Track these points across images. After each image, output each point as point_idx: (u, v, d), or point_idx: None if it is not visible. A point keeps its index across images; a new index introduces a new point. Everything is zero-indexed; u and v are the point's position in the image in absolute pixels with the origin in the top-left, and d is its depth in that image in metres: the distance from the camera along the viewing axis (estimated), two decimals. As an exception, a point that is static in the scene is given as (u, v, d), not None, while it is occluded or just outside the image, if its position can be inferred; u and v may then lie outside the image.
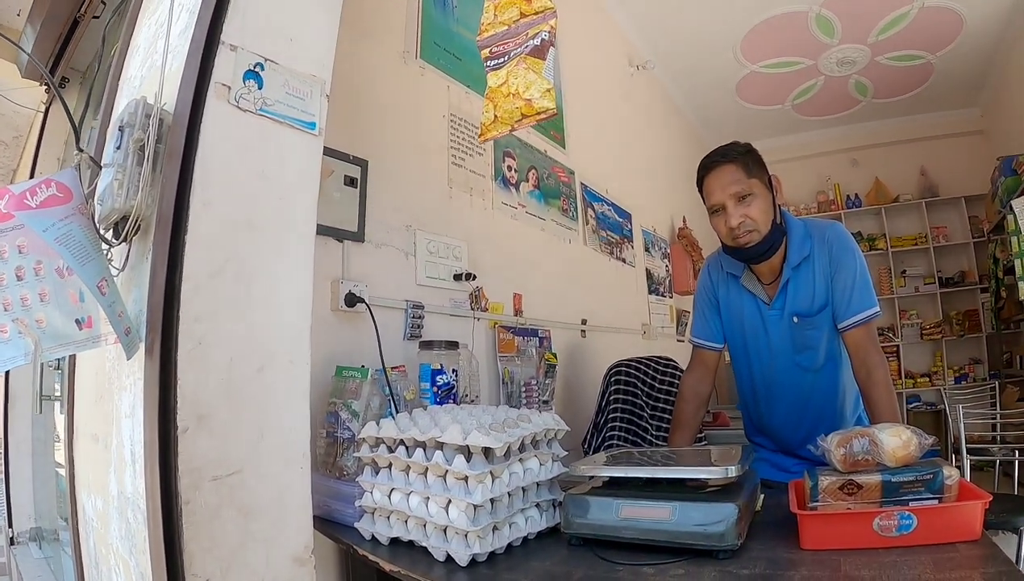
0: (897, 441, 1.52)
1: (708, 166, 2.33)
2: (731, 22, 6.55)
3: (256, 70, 1.70)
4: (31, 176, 4.85)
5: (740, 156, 2.29)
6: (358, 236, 2.58)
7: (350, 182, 2.57)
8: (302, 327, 1.72)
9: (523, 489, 1.76)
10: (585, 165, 4.87)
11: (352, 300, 2.42)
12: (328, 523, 1.97)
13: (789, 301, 2.37)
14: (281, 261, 1.70)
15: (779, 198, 2.34)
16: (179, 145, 1.56)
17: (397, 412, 2.12)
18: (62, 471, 3.95)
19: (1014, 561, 1.30)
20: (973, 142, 8.98)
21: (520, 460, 1.75)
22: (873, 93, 8.44)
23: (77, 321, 1.55)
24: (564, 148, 4.58)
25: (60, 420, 3.98)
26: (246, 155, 1.66)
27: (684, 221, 7.17)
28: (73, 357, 2.35)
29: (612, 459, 1.89)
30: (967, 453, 4.12)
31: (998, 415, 4.59)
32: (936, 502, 1.44)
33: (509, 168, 3.78)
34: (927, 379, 9.07)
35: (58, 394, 4.12)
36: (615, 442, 3.48)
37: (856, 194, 9.70)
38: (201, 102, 1.59)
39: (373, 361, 2.29)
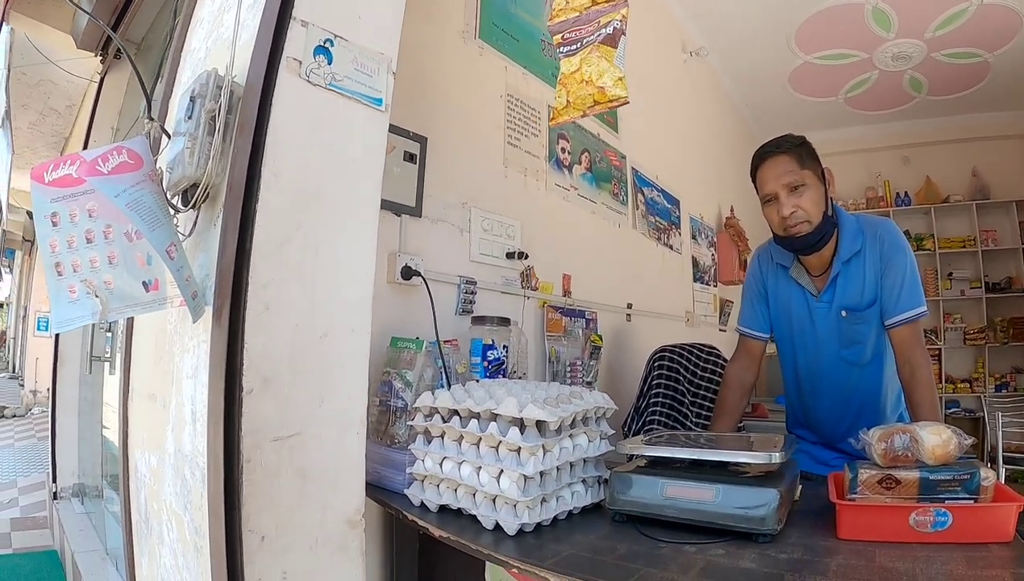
0: (937, 439, 1.54)
1: (762, 156, 2.36)
2: (787, 10, 6.44)
3: (326, 46, 1.74)
4: (84, 146, 4.95)
5: (794, 148, 2.32)
6: (415, 211, 2.63)
7: (409, 158, 2.62)
8: (364, 297, 1.78)
9: (571, 464, 1.80)
10: (637, 150, 4.87)
11: (408, 273, 2.47)
12: (377, 489, 2.02)
13: (838, 295, 2.38)
14: (346, 233, 1.75)
15: (831, 191, 2.36)
16: (251, 117, 1.61)
17: (449, 384, 2.17)
18: (108, 431, 4.06)
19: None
20: None
21: (570, 436, 1.79)
22: (928, 90, 8.25)
23: (144, 283, 1.60)
24: (617, 132, 4.58)
25: (109, 381, 4.08)
26: (315, 128, 1.71)
27: (732, 210, 7.11)
28: (131, 319, 2.43)
29: (656, 440, 1.92)
30: (1003, 462, 4.08)
31: None
32: (972, 502, 1.47)
33: (563, 150, 3.80)
34: (967, 385, 8.87)
35: (108, 355, 4.22)
36: (655, 427, 3.50)
37: (906, 192, 9.49)
38: (273, 76, 1.64)
39: (426, 333, 2.33)
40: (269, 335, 1.56)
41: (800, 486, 1.85)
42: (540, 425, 1.68)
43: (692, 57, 6.41)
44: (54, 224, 1.52)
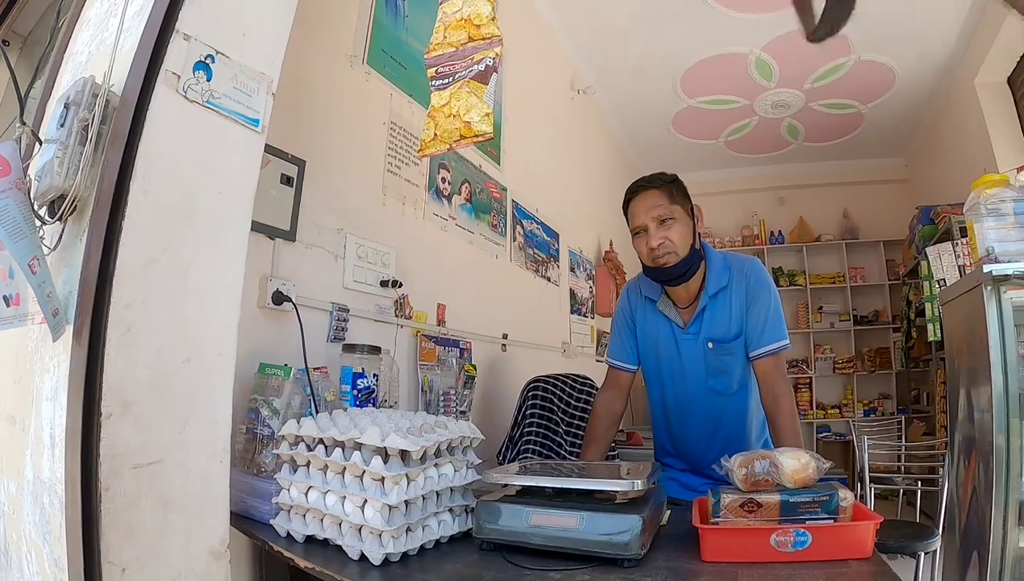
0: (796, 464, 1.62)
1: (635, 191, 2.47)
2: (675, 56, 6.71)
3: (207, 61, 1.70)
4: (-40, 142, 4.67)
5: (665, 184, 2.43)
6: (289, 235, 2.59)
7: (286, 181, 2.58)
8: (231, 321, 1.73)
9: (437, 493, 1.79)
10: (518, 182, 4.93)
11: (279, 298, 2.43)
12: (243, 519, 1.97)
13: (705, 327, 2.48)
14: (216, 254, 1.70)
15: (700, 226, 2.47)
16: (124, 129, 1.55)
17: (317, 412, 2.13)
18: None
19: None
20: (896, 190, 9.40)
21: (435, 465, 1.78)
22: (804, 136, 8.72)
23: (4, 298, 1.54)
24: (499, 164, 4.63)
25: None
26: (189, 146, 1.66)
27: (611, 245, 7.27)
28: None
29: (524, 469, 1.94)
30: (871, 481, 4.29)
31: (903, 447, 4.76)
32: (831, 521, 1.54)
33: (443, 180, 3.82)
34: (837, 411, 9.41)
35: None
36: (530, 455, 3.52)
37: (780, 231, 9.97)
38: (150, 88, 1.59)
39: (296, 360, 2.29)
40: (131, 357, 1.50)
41: (668, 511, 1.91)
42: (404, 454, 1.67)
43: (580, 95, 6.55)
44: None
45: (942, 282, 5.81)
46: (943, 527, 3.85)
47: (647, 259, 2.43)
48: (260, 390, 2.13)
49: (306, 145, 2.71)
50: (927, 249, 6.13)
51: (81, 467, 1.43)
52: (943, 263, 5.88)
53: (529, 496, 1.75)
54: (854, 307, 9.63)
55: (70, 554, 1.45)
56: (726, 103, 7.77)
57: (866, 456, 4.38)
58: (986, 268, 2.50)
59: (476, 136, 2.02)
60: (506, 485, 1.82)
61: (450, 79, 2.09)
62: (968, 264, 5.67)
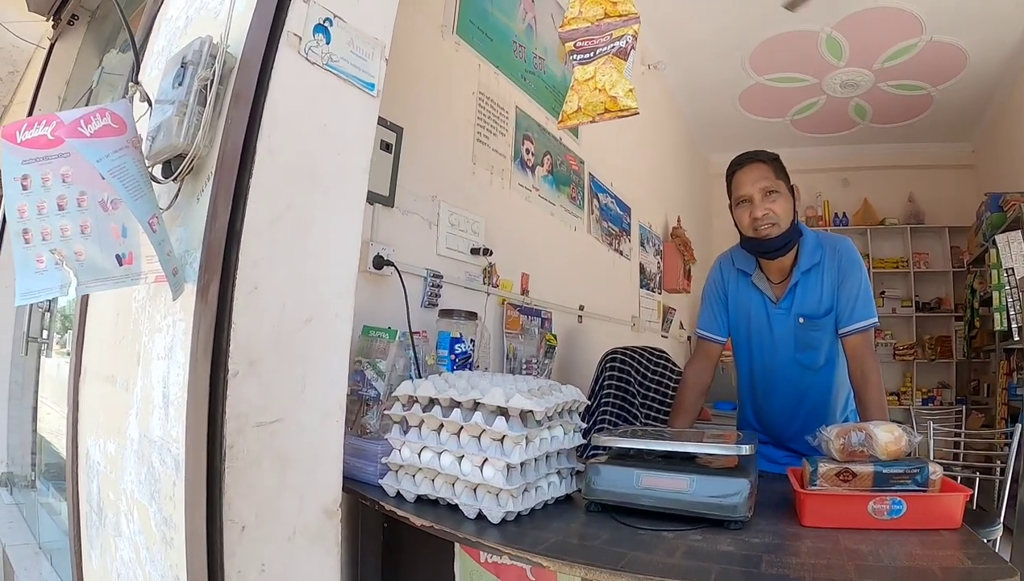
0: (890, 436, 1.66)
1: (741, 162, 2.47)
2: (745, 32, 6.58)
3: (325, 24, 1.72)
4: (29, 113, 4.75)
5: (771, 160, 2.45)
6: (388, 201, 2.62)
7: (385, 147, 2.60)
8: (349, 282, 1.76)
9: (547, 456, 1.81)
10: (594, 156, 4.91)
11: (380, 262, 2.45)
12: (346, 479, 1.97)
13: (797, 302, 2.48)
14: (335, 215, 1.73)
15: (797, 205, 2.47)
16: (249, 89, 1.57)
17: (419, 374, 2.15)
18: (45, 417, 3.88)
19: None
20: (962, 175, 9.13)
21: (548, 427, 1.80)
22: (871, 117, 8.52)
23: (117, 256, 1.53)
24: (577, 138, 4.62)
25: (46, 363, 3.91)
26: (311, 107, 1.68)
27: (679, 221, 7.21)
28: (85, 296, 2.32)
29: (630, 432, 1.98)
30: None
31: (963, 436, 4.71)
32: (922, 493, 1.59)
33: (527, 151, 3.82)
34: (895, 398, 9.17)
35: (45, 337, 4.06)
36: (606, 427, 3.52)
37: (844, 213, 9.79)
38: (273, 49, 1.60)
39: (394, 324, 2.31)
40: (256, 316, 1.53)
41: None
42: (524, 415, 1.68)
43: (650, 70, 6.47)
44: (24, 187, 1.44)
45: (1011, 271, 5.72)
46: (1004, 518, 3.83)
47: (749, 229, 2.43)
48: (365, 352, 2.15)
49: (402, 113, 2.71)
50: (996, 237, 6.04)
51: (207, 425, 1.45)
52: (1012, 251, 5.80)
53: (635, 459, 1.78)
54: (916, 293, 9.37)
55: (189, 513, 1.47)
56: (794, 81, 7.58)
57: (931, 442, 4.32)
58: None
59: (622, 110, 2.02)
60: (607, 448, 1.84)
61: (592, 53, 2.08)
62: None
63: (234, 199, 1.52)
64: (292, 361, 1.60)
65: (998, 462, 4.26)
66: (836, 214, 9.81)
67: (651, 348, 4.10)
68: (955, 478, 4.36)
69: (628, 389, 3.72)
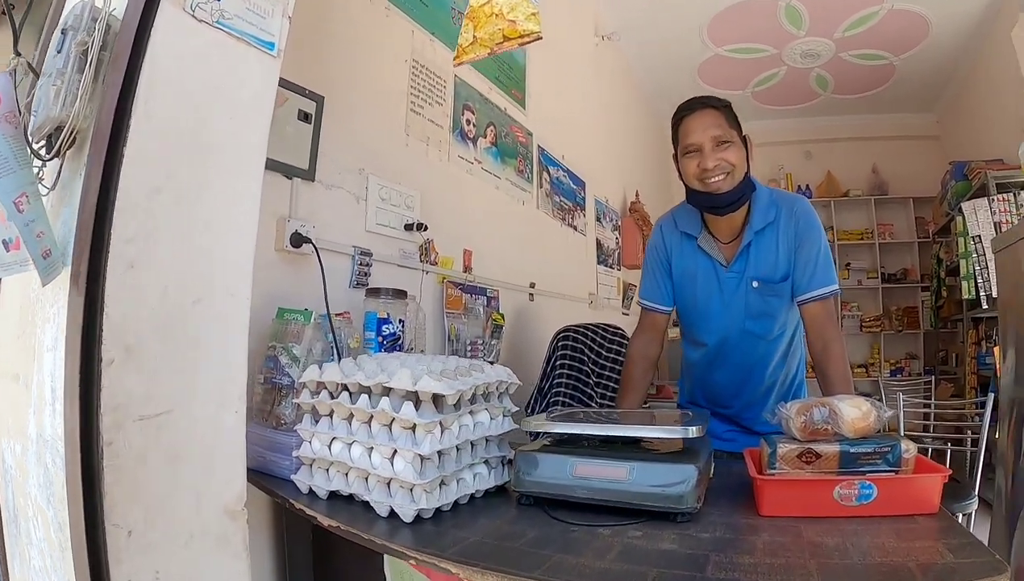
0: (857, 412, 1.52)
1: (692, 108, 2.29)
2: (701, 2, 6.56)
3: (217, -22, 1.56)
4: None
5: (723, 106, 2.28)
6: (308, 174, 2.46)
7: (304, 117, 2.44)
8: (244, 257, 1.59)
9: (472, 443, 1.68)
10: (544, 128, 4.79)
11: (298, 240, 2.30)
12: (263, 476, 1.85)
13: (751, 264, 2.33)
14: (227, 185, 1.56)
15: (751, 158, 2.33)
16: (125, 50, 1.41)
17: (340, 360, 2.01)
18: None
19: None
20: (926, 146, 9.25)
21: (470, 413, 1.67)
22: (833, 88, 8.59)
23: (4, 242, 1.42)
24: (524, 108, 4.50)
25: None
26: (197, 68, 1.52)
27: (637, 195, 7.15)
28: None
29: (565, 416, 1.82)
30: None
31: (932, 407, 4.68)
32: (893, 475, 1.46)
33: (468, 122, 3.68)
34: (864, 370, 9.33)
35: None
36: (560, 408, 3.42)
37: (807, 185, 9.88)
38: (153, 6, 1.44)
39: (317, 306, 2.16)
40: (134, 297, 1.37)
41: (713, 463, 1.79)
42: (437, 400, 1.55)
43: (604, 41, 6.41)
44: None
45: (977, 238, 5.79)
46: (979, 489, 3.79)
47: (697, 180, 2.25)
48: (279, 337, 1.99)
49: (325, 81, 2.56)
50: (962, 205, 6.11)
51: (81, 420, 1.31)
52: (979, 219, 5.88)
53: (571, 446, 1.64)
54: (882, 265, 9.54)
55: (72, 516, 1.33)
56: (754, 52, 7.60)
57: (901, 415, 4.28)
58: None
59: (523, 36, 1.86)
60: (544, 434, 1.70)
61: None
62: (1005, 221, 5.70)
63: (106, 170, 1.36)
64: (180, 347, 1.45)
65: (969, 432, 4.27)
66: (799, 186, 9.88)
67: (604, 325, 4.01)
68: (926, 451, 4.37)
69: (582, 368, 3.65)
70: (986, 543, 3.14)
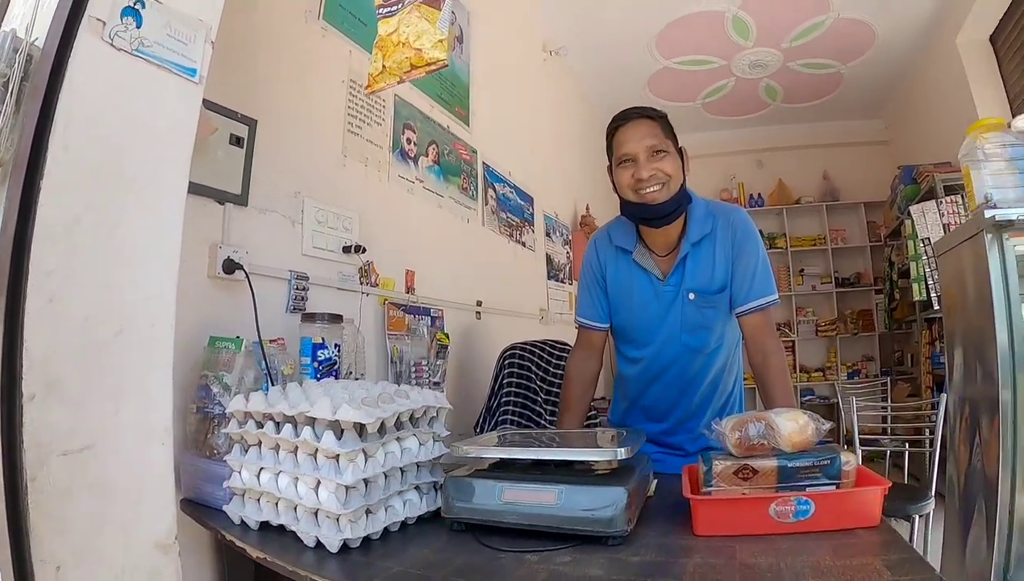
0: (794, 426, 1.51)
1: (627, 117, 2.29)
2: (649, 16, 6.60)
3: (136, 7, 1.55)
4: None
5: (659, 117, 2.28)
6: (241, 199, 2.42)
7: (236, 141, 2.40)
8: (167, 287, 1.58)
9: (401, 470, 1.66)
10: (489, 145, 4.79)
11: (231, 266, 2.26)
12: (200, 506, 1.83)
13: (687, 277, 2.31)
14: (148, 215, 1.55)
15: (687, 169, 2.32)
16: (43, 81, 1.40)
17: (271, 388, 1.99)
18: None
19: (910, 547, 1.32)
20: (875, 151, 9.49)
21: (397, 439, 1.66)
22: (783, 97, 8.75)
23: None
24: (468, 125, 4.48)
25: None
26: (116, 97, 1.51)
27: (587, 209, 7.20)
28: None
29: (497, 440, 1.82)
30: (859, 444, 4.24)
31: (889, 408, 4.75)
32: (833, 488, 1.44)
33: (408, 141, 3.66)
34: (821, 374, 9.54)
35: None
36: (508, 427, 3.43)
37: (759, 194, 10.07)
38: (72, 35, 1.43)
39: (252, 333, 2.14)
40: (54, 330, 1.35)
41: (655, 480, 1.80)
42: (360, 428, 1.53)
43: (552, 56, 6.44)
44: None
45: (927, 241, 5.87)
46: (935, 488, 3.83)
47: (631, 191, 2.25)
48: (210, 365, 1.97)
49: (258, 104, 2.53)
50: (911, 208, 6.20)
51: (4, 456, 1.28)
52: (927, 221, 5.96)
53: (502, 470, 1.62)
54: (836, 269, 9.74)
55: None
56: (703, 64, 7.70)
57: (855, 418, 4.32)
58: (988, 213, 2.40)
59: (429, 64, 1.86)
60: (474, 458, 1.69)
61: (398, 5, 1.93)
62: (953, 222, 5.78)
63: (23, 202, 1.34)
64: (103, 379, 1.43)
65: (927, 432, 4.31)
66: (751, 195, 10.07)
67: (552, 341, 3.97)
68: (884, 452, 4.44)
69: (530, 386, 3.63)
70: (941, 541, 3.19)
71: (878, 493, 1.42)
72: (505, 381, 3.61)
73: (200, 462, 1.88)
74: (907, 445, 4.41)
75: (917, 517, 3.72)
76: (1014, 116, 5.40)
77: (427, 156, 3.86)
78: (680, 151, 2.30)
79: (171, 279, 1.58)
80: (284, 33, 2.79)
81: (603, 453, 1.54)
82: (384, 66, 1.90)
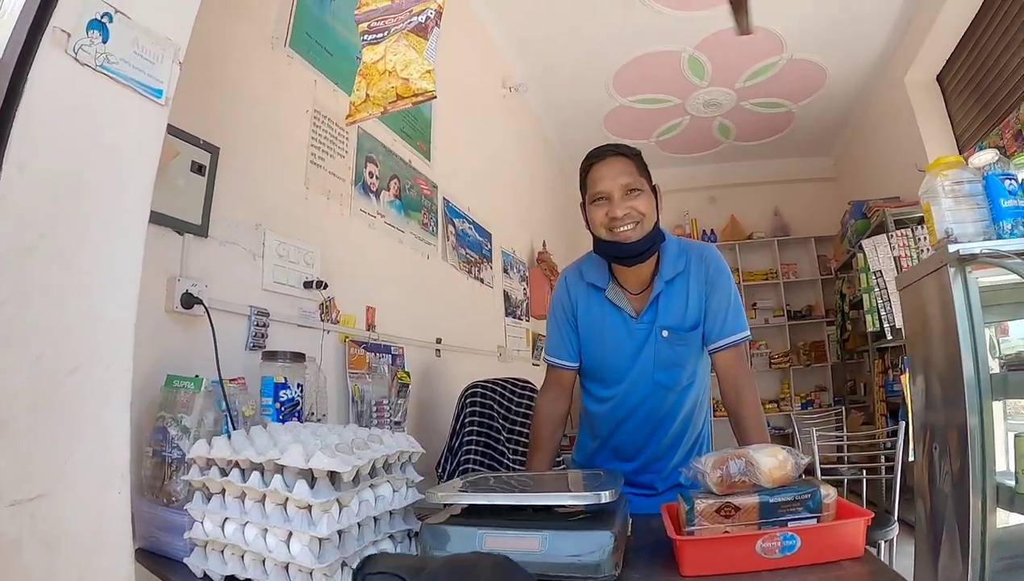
0: (773, 461, 1.49)
1: (601, 155, 2.26)
2: (608, 54, 6.71)
3: (103, 20, 1.46)
4: None
5: (633, 155, 2.27)
6: (201, 230, 2.31)
7: (197, 169, 2.30)
8: (126, 322, 1.47)
9: (375, 519, 1.56)
10: (449, 180, 4.74)
11: (189, 301, 2.15)
12: (156, 557, 1.69)
13: (661, 314, 2.29)
14: (107, 243, 1.44)
15: (660, 208, 2.31)
16: (0, 93, 1.29)
17: (234, 429, 1.87)
18: None
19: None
20: (825, 187, 9.84)
21: (371, 486, 1.55)
22: (735, 136, 8.97)
23: None
24: (429, 160, 4.43)
25: None
26: (78, 116, 1.40)
27: (544, 245, 7.25)
28: None
29: (471, 485, 1.73)
30: (820, 474, 4.26)
31: (845, 437, 4.84)
32: (814, 521, 1.43)
33: (371, 174, 3.58)
34: (775, 405, 9.66)
35: None
36: (471, 466, 3.37)
37: (712, 229, 10.28)
38: (33, 46, 1.33)
39: (210, 371, 2.02)
40: (3, 368, 1.22)
41: (630, 521, 1.72)
42: (333, 476, 1.43)
43: (512, 92, 6.45)
44: None
45: (879, 274, 6.03)
46: (898, 514, 3.93)
47: (605, 229, 2.21)
48: (167, 406, 1.84)
49: (221, 131, 2.43)
50: (863, 242, 6.33)
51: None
52: (879, 255, 6.11)
53: (478, 516, 1.53)
54: (787, 302, 9.97)
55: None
56: (658, 102, 7.83)
57: (815, 448, 4.35)
58: (952, 247, 2.46)
59: (416, 95, 1.77)
60: (448, 504, 1.61)
61: (384, 33, 1.85)
62: (904, 255, 5.98)
63: (-28, 226, 1.23)
64: (56, 422, 1.31)
65: (883, 459, 4.44)
66: (704, 231, 10.30)
67: (515, 379, 3.92)
68: (841, 481, 4.45)
69: (492, 424, 3.57)
70: (912, 569, 3.19)
71: (861, 525, 1.42)
72: (467, 419, 3.53)
73: (157, 510, 1.74)
74: (864, 472, 4.49)
75: (883, 543, 3.77)
76: (960, 152, 5.64)
77: (389, 190, 3.78)
78: (654, 189, 2.28)
79: (130, 313, 1.47)
80: (250, 58, 2.71)
81: (588, 496, 1.46)
82: (368, 95, 1.81)
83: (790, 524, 1.41)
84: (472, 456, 3.40)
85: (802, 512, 1.42)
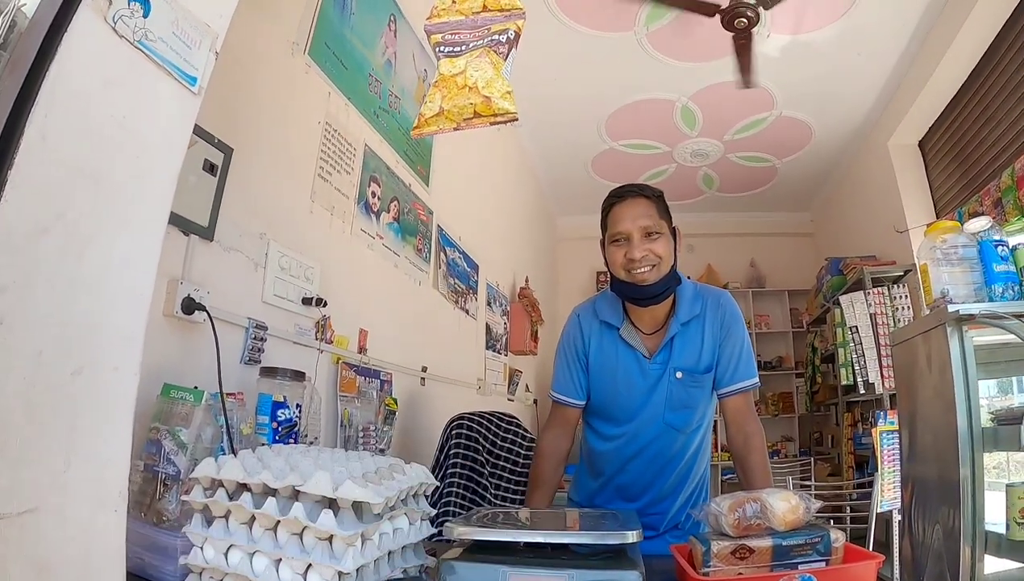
0: (787, 505, 1.55)
1: (622, 195, 2.29)
2: (603, 98, 6.76)
3: (147, -8, 1.33)
4: None
5: (655, 197, 2.29)
6: (207, 233, 2.20)
7: (209, 168, 2.19)
8: (136, 324, 1.33)
9: (389, 553, 1.45)
10: (444, 207, 4.69)
11: (190, 306, 2.02)
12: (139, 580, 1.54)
13: (675, 356, 2.30)
14: (125, 236, 1.30)
15: (679, 250, 2.32)
16: (29, 53, 1.15)
17: (232, 447, 1.73)
18: None
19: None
20: (801, 242, 10.08)
21: (390, 519, 1.45)
22: (718, 186, 9.10)
23: None
24: (428, 185, 4.37)
25: None
26: (110, 91, 1.27)
27: (527, 281, 7.28)
28: None
29: (487, 520, 1.64)
30: None
31: (812, 486, 5.09)
32: (824, 564, 1.48)
33: (373, 194, 3.50)
34: None
35: None
36: (453, 498, 3.29)
37: (689, 277, 10.02)
38: (71, 7, 1.20)
39: (204, 382, 1.88)
40: (1, 363, 1.08)
41: None
42: (356, 507, 1.32)
43: (505, 125, 6.37)
44: None
45: (855, 329, 6.25)
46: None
47: (622, 270, 2.24)
48: (163, 418, 1.70)
49: (234, 132, 2.33)
50: (840, 297, 6.55)
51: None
52: (856, 311, 6.32)
53: (496, 553, 1.44)
54: (759, 353, 9.97)
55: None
56: (647, 148, 7.89)
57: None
58: (951, 307, 2.55)
59: (496, 115, 1.66)
60: (460, 540, 1.50)
61: (463, 47, 1.75)
62: (880, 312, 6.21)
63: (-17, 196, 1.08)
64: (53, 429, 1.16)
65: (848, 509, 4.78)
66: None
67: (500, 413, 3.85)
68: None
69: (476, 458, 3.49)
70: None
71: (872, 567, 1.46)
72: (452, 451, 3.45)
73: (146, 529, 1.58)
74: (831, 523, 4.56)
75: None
76: (938, 216, 5.79)
77: (389, 212, 3.71)
78: (673, 231, 2.29)
79: (142, 316, 1.33)
80: (269, 60, 2.63)
81: (615, 536, 1.42)
82: (442, 108, 1.68)
83: (800, 566, 1.45)
84: (455, 489, 3.33)
85: (812, 555, 1.47)
